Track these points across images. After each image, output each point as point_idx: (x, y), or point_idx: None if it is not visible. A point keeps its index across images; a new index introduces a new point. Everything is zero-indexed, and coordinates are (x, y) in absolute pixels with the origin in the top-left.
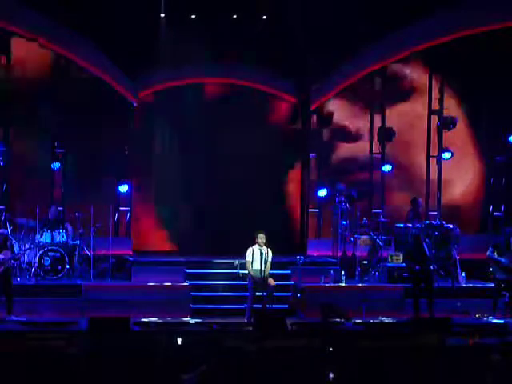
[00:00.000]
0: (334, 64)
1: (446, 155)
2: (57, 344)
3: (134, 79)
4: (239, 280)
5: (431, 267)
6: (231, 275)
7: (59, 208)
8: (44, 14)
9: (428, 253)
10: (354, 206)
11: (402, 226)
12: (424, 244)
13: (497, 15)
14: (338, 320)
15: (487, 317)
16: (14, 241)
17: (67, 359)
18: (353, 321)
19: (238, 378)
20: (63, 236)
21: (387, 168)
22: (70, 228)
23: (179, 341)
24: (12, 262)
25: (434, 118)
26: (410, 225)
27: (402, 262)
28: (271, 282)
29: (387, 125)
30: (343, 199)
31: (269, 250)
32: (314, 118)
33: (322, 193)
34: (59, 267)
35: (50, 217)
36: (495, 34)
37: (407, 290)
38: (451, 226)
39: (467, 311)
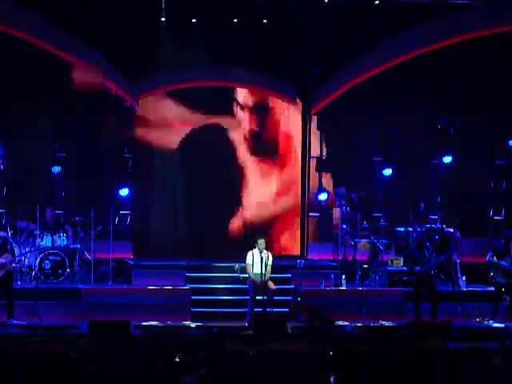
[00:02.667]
0: (336, 67)
1: (447, 159)
2: (57, 348)
3: (135, 83)
4: (240, 283)
5: (432, 271)
6: (232, 279)
7: (56, 211)
8: (44, 18)
9: (428, 256)
10: (354, 210)
11: (402, 229)
12: (425, 247)
13: (497, 18)
14: (324, 324)
15: (488, 321)
16: (14, 244)
17: (68, 363)
18: (354, 324)
19: (238, 381)
20: (64, 240)
21: (388, 172)
22: (70, 230)
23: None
24: (13, 265)
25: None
26: (411, 228)
27: (403, 265)
28: (271, 285)
29: (387, 128)
30: (344, 203)
31: (269, 253)
32: (315, 120)
33: (323, 197)
34: (60, 271)
35: (47, 219)
36: (496, 37)
37: (407, 293)
38: (452, 229)
39: (466, 315)
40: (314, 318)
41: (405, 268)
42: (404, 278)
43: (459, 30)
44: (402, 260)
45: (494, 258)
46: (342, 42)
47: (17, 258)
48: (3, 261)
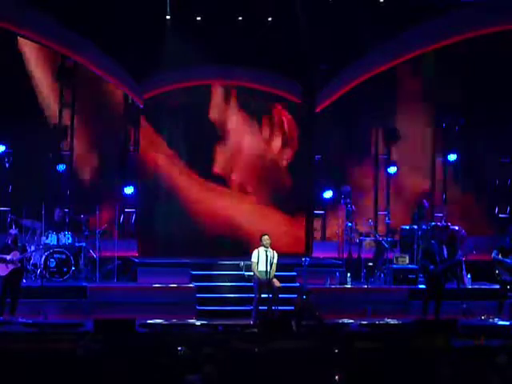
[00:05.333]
0: (340, 66)
1: (452, 157)
2: (62, 346)
3: (140, 81)
4: (245, 282)
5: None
6: (237, 277)
7: (65, 210)
8: (50, 17)
9: (446, 255)
10: (359, 208)
11: (407, 227)
12: (443, 245)
13: (501, 16)
14: (313, 323)
15: (493, 318)
16: (27, 243)
17: (73, 361)
18: (359, 322)
19: (244, 379)
20: (69, 238)
21: (393, 169)
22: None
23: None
24: (25, 262)
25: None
26: (416, 226)
27: (419, 262)
28: (276, 283)
29: (393, 126)
30: (349, 201)
31: (274, 251)
32: (320, 119)
33: (328, 194)
34: (65, 269)
35: (55, 219)
36: (501, 35)
37: (412, 291)
38: (457, 227)
39: (471, 312)
40: (304, 317)
41: (409, 266)
42: (410, 276)
43: (463, 27)
44: (407, 258)
45: (499, 255)
46: (348, 39)
47: (28, 254)
48: (11, 257)
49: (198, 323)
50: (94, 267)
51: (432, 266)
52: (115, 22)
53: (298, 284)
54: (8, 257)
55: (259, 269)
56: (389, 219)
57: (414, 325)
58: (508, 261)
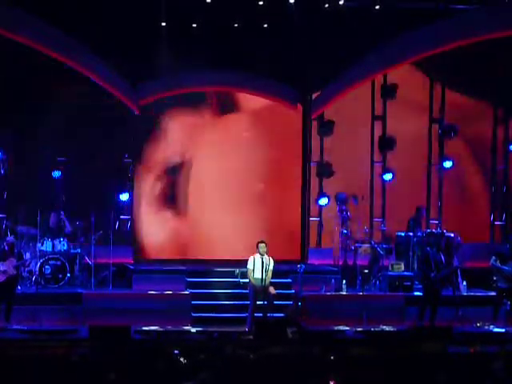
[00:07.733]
0: (336, 72)
1: (447, 164)
2: (57, 352)
3: (135, 87)
4: (240, 289)
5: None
6: (232, 284)
7: (60, 216)
8: (46, 23)
9: (444, 261)
10: (354, 215)
11: (403, 234)
12: (441, 252)
13: (498, 23)
14: (295, 331)
15: (488, 325)
16: (23, 250)
17: (68, 368)
18: (354, 329)
19: None
20: (64, 244)
21: (388, 176)
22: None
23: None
24: (21, 269)
25: (435, 127)
26: (411, 233)
27: (416, 270)
28: (272, 290)
29: (388, 133)
30: (344, 208)
31: (270, 258)
32: (316, 125)
33: (323, 201)
34: (60, 275)
35: (50, 225)
36: (498, 41)
37: (408, 298)
38: (452, 234)
39: (467, 318)
40: (286, 323)
41: (405, 273)
42: (406, 283)
43: (459, 34)
44: (402, 265)
45: (498, 262)
46: (344, 45)
47: (26, 262)
48: (6, 265)
49: (194, 330)
50: (90, 274)
51: (433, 273)
52: (112, 28)
53: (293, 291)
54: (3, 264)
55: (255, 276)
56: (384, 226)
57: (409, 331)
58: (506, 268)
